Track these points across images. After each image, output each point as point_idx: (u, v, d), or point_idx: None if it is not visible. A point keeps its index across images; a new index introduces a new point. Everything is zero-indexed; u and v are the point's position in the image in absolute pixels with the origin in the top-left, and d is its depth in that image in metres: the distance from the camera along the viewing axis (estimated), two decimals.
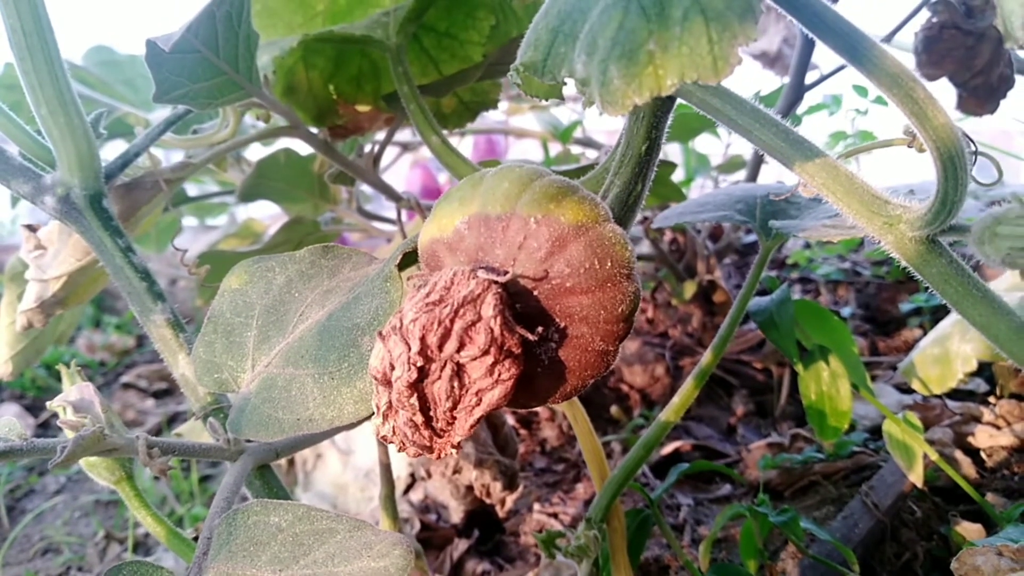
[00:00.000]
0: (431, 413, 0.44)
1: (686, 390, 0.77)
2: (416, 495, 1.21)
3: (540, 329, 0.45)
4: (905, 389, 1.25)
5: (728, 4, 0.41)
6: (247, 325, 0.57)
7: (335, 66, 0.92)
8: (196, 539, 0.64)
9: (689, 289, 1.51)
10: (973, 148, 0.50)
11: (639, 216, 0.72)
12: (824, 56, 1.44)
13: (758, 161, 1.54)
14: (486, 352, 0.43)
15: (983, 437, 1.06)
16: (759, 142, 0.55)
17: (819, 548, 0.89)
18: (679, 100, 0.58)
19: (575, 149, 1.87)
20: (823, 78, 1.36)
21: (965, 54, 1.10)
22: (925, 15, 1.08)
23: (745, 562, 0.85)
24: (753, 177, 1.54)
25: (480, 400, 0.44)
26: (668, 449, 1.28)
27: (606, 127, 2.15)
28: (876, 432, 1.17)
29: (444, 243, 0.48)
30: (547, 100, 0.59)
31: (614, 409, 1.42)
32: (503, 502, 0.99)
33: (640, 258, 1.50)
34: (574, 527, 0.90)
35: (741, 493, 1.17)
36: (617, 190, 0.57)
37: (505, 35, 0.90)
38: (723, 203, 0.81)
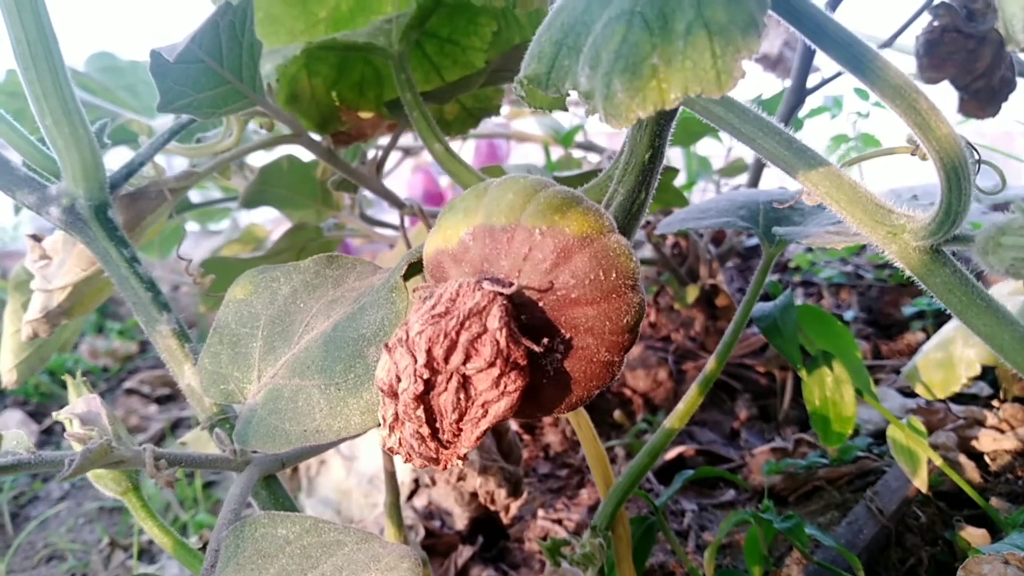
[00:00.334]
0: (437, 425, 0.44)
1: (690, 397, 0.78)
2: (420, 501, 1.21)
3: (545, 340, 0.45)
4: (908, 393, 1.25)
5: (732, 18, 0.41)
6: (253, 336, 0.57)
7: (338, 73, 0.93)
8: (202, 548, 0.64)
9: (692, 293, 1.52)
10: (976, 157, 0.51)
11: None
12: (825, 59, 1.44)
13: (760, 165, 1.54)
14: (492, 364, 0.43)
15: (987, 441, 1.06)
16: (763, 150, 0.55)
17: (824, 554, 0.89)
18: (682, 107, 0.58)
19: (577, 153, 1.88)
20: (824, 82, 1.36)
21: (966, 57, 1.10)
22: (926, 19, 1.08)
23: (750, 568, 0.85)
24: (755, 181, 1.54)
25: (486, 412, 0.44)
26: (672, 454, 1.28)
27: (607, 130, 2.15)
28: (880, 437, 1.17)
29: (449, 254, 0.48)
30: (551, 110, 0.59)
31: (617, 414, 1.42)
32: (507, 509, 0.99)
33: (642, 262, 1.50)
34: (578, 533, 0.90)
35: (745, 498, 1.17)
36: (621, 198, 0.57)
37: (507, 41, 0.90)
38: (726, 209, 0.81)
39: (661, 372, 1.46)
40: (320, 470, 1.40)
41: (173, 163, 1.00)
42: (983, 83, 1.13)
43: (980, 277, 0.54)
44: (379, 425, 0.45)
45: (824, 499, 1.07)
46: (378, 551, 0.42)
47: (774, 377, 1.46)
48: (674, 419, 0.77)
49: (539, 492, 1.24)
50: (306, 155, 1.23)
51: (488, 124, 1.83)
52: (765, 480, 1.12)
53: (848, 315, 1.63)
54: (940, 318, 1.47)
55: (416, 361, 0.42)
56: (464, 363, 0.43)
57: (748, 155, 1.84)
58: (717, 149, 1.96)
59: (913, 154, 0.54)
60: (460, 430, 0.44)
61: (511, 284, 0.45)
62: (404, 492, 1.21)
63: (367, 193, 1.40)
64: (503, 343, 0.43)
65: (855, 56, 0.47)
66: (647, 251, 1.52)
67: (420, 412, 0.43)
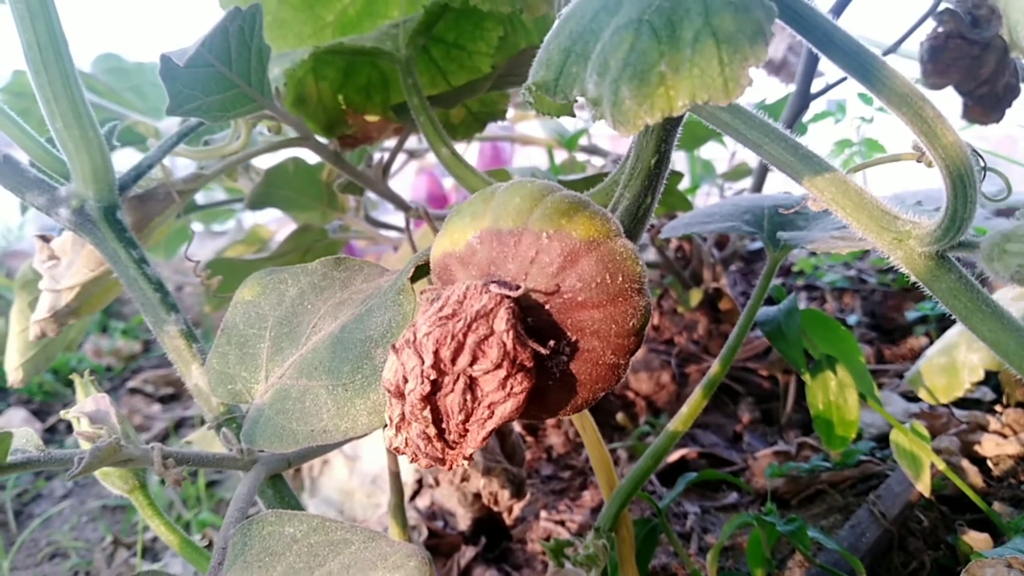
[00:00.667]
0: (443, 425, 0.44)
1: (694, 400, 0.78)
2: (423, 502, 1.21)
3: (552, 343, 0.45)
4: (911, 398, 1.25)
5: (739, 26, 0.42)
6: (260, 337, 0.58)
7: (344, 77, 0.93)
8: (207, 546, 0.65)
9: (695, 296, 1.52)
10: (982, 164, 0.51)
11: None
12: (829, 64, 1.44)
13: (764, 169, 1.54)
14: (499, 365, 0.43)
15: (990, 446, 1.07)
16: (768, 156, 0.56)
17: (826, 557, 0.89)
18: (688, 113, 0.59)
19: (580, 156, 1.88)
20: (829, 87, 1.37)
21: (970, 63, 1.11)
22: (931, 25, 1.08)
23: (752, 571, 0.85)
24: (759, 186, 1.54)
25: (492, 413, 0.44)
26: (674, 457, 1.28)
27: (611, 134, 2.16)
28: (883, 441, 1.18)
29: (456, 257, 0.48)
30: (558, 116, 0.59)
31: (620, 416, 1.43)
32: (510, 510, 0.99)
33: (646, 265, 1.50)
34: (581, 535, 0.91)
35: (748, 501, 1.17)
36: (627, 203, 0.58)
37: (513, 47, 0.91)
38: (730, 213, 0.81)
39: (664, 375, 1.46)
40: (323, 470, 1.40)
41: (176, 164, 1.00)
42: (987, 89, 1.14)
43: (984, 283, 0.55)
44: (386, 426, 0.45)
45: (827, 502, 1.07)
46: (385, 549, 0.42)
47: (777, 381, 1.46)
48: (678, 422, 0.77)
49: (542, 494, 1.24)
50: (312, 158, 1.24)
51: (492, 127, 1.84)
52: (768, 483, 1.12)
53: (851, 319, 1.63)
54: (943, 323, 1.47)
55: (423, 362, 0.43)
56: (471, 364, 0.43)
57: (752, 159, 1.84)
58: (721, 153, 1.96)
59: (919, 161, 0.54)
60: (466, 431, 0.44)
61: (518, 287, 0.45)
62: (407, 493, 1.21)
63: (371, 195, 1.41)
64: (510, 345, 0.43)
65: (862, 64, 0.48)
66: (651, 254, 1.52)
67: (427, 413, 0.43)
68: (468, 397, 0.44)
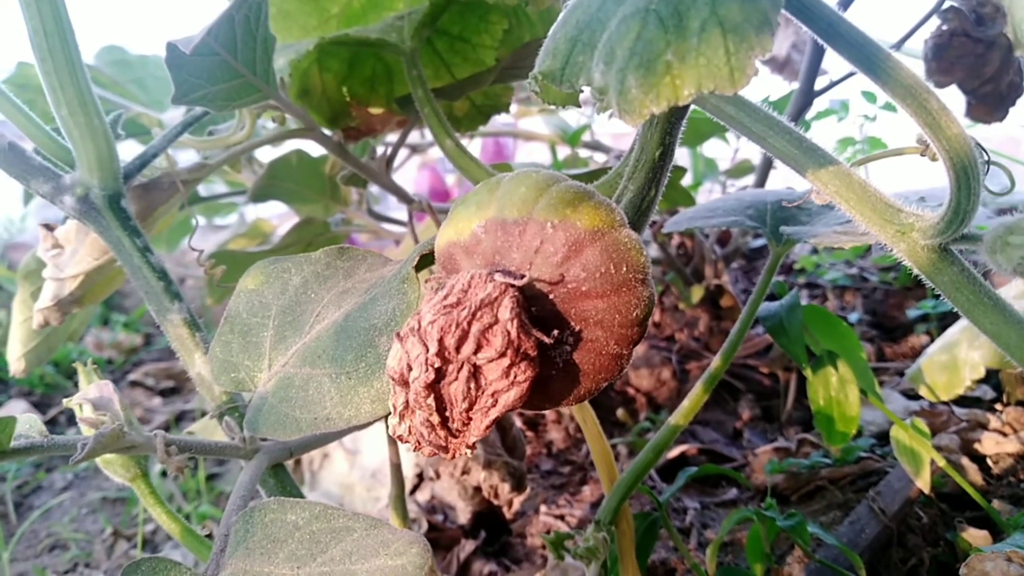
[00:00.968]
0: (447, 413, 0.44)
1: (695, 394, 0.78)
2: (423, 495, 1.21)
3: (555, 332, 0.45)
4: (912, 395, 1.25)
5: (746, 16, 0.42)
6: (264, 325, 0.58)
7: (349, 69, 0.93)
8: (208, 536, 0.65)
9: (696, 293, 1.52)
10: (986, 157, 0.51)
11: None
12: (833, 62, 1.44)
13: (767, 166, 1.54)
14: (503, 354, 0.43)
15: (989, 444, 1.07)
16: (773, 149, 0.56)
17: (825, 552, 0.89)
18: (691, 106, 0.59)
19: (583, 152, 1.88)
20: (833, 84, 1.37)
21: (975, 62, 1.11)
22: (935, 22, 1.08)
23: (752, 566, 0.85)
24: (762, 182, 1.54)
25: (496, 401, 0.44)
26: (674, 453, 1.28)
27: (614, 130, 2.16)
28: (882, 438, 1.18)
29: (461, 246, 0.48)
30: (564, 106, 0.59)
31: (620, 412, 1.43)
32: (511, 503, 0.99)
33: None
34: (580, 529, 0.91)
35: (747, 497, 1.17)
36: (631, 195, 0.58)
37: (518, 39, 0.91)
38: (734, 208, 0.81)
39: (665, 371, 1.46)
40: (323, 464, 1.40)
41: (178, 157, 1.00)
42: (991, 87, 1.14)
43: (986, 277, 0.55)
44: (389, 414, 0.45)
45: (826, 499, 1.07)
46: (387, 537, 0.42)
47: (777, 378, 1.46)
48: (679, 416, 0.78)
49: (542, 488, 1.25)
50: (315, 151, 1.24)
51: (495, 123, 1.84)
52: (768, 479, 1.13)
53: (852, 317, 1.63)
54: (944, 321, 1.47)
55: (428, 350, 0.43)
56: (475, 353, 0.43)
57: (755, 157, 1.84)
58: (724, 151, 1.96)
59: (923, 155, 0.54)
60: (470, 419, 0.44)
61: (522, 276, 0.45)
62: (407, 486, 1.21)
63: (373, 190, 1.41)
64: (514, 334, 0.43)
65: (867, 56, 0.48)
66: (653, 250, 1.52)
67: (431, 400, 0.43)
68: (472, 385, 0.44)
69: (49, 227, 0.79)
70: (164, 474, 1.69)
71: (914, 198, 0.83)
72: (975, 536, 0.89)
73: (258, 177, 1.18)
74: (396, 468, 0.86)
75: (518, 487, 0.98)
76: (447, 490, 1.15)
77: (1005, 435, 1.08)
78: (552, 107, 1.87)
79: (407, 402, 0.44)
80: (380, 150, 1.03)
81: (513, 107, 2.02)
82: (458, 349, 0.43)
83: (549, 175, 0.49)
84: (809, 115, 1.51)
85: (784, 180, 1.86)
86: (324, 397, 0.50)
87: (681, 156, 2.02)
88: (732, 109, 0.56)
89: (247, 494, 0.55)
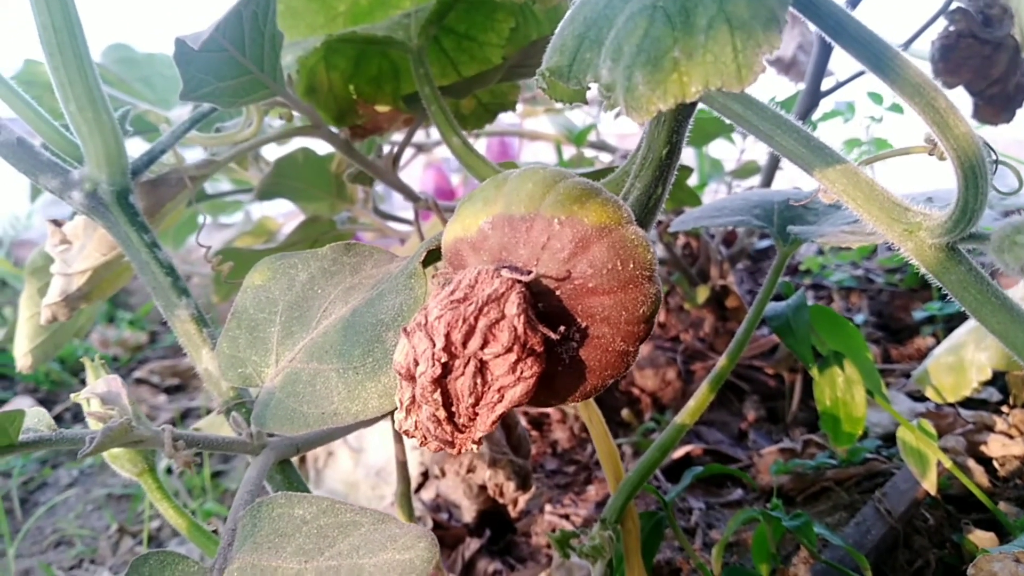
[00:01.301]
0: (453, 409, 0.44)
1: (702, 394, 0.78)
2: (428, 494, 1.22)
3: (562, 328, 0.45)
4: (918, 397, 1.25)
5: (753, 13, 0.42)
6: (270, 321, 0.58)
7: (355, 67, 0.93)
8: (214, 532, 0.65)
9: (702, 294, 1.52)
10: (993, 157, 0.51)
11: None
12: (839, 63, 1.44)
13: (773, 166, 1.54)
14: (509, 350, 0.43)
15: (996, 446, 1.06)
16: (780, 148, 0.56)
17: (831, 553, 0.89)
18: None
19: (588, 152, 1.88)
20: (839, 85, 1.36)
21: (982, 63, 1.10)
22: (942, 23, 1.08)
23: (757, 566, 0.85)
24: (768, 183, 1.54)
25: (502, 397, 0.44)
26: (679, 453, 1.28)
27: (619, 130, 2.16)
28: (888, 439, 1.17)
29: (468, 242, 0.48)
30: (571, 104, 0.60)
31: (625, 412, 1.43)
32: (516, 502, 0.99)
33: None
34: (586, 528, 0.91)
35: (752, 498, 1.17)
36: (638, 193, 0.58)
37: (525, 38, 0.91)
38: (741, 208, 0.81)
39: (670, 372, 1.46)
40: (328, 462, 1.40)
41: (185, 155, 1.00)
42: (998, 89, 1.13)
43: (993, 277, 0.55)
44: (396, 408, 0.45)
45: (832, 500, 1.07)
46: (394, 531, 0.42)
47: (783, 379, 1.46)
48: (685, 415, 0.77)
49: (546, 487, 1.25)
50: (321, 149, 1.24)
51: (500, 122, 1.84)
52: (773, 480, 1.12)
53: (858, 319, 1.63)
54: (950, 323, 1.46)
55: (434, 345, 0.43)
56: (482, 348, 0.43)
57: (760, 158, 1.84)
58: (730, 151, 1.96)
59: (931, 154, 0.54)
60: (476, 414, 0.44)
61: (529, 272, 0.45)
62: (412, 484, 1.22)
63: (379, 189, 1.41)
64: (521, 329, 0.43)
65: (875, 54, 0.48)
66: (659, 251, 1.52)
67: (437, 395, 0.43)
68: (478, 381, 0.44)
69: (57, 223, 0.79)
70: (169, 471, 1.69)
71: (921, 199, 0.82)
72: (981, 538, 0.89)
73: (264, 175, 1.18)
74: (402, 466, 0.87)
75: (523, 486, 0.98)
76: (452, 488, 1.15)
77: (1011, 437, 1.08)
78: (559, 106, 1.87)
79: (413, 397, 0.44)
80: (386, 149, 1.04)
81: (518, 107, 2.03)
82: (465, 344, 0.43)
83: (556, 171, 0.49)
84: (815, 116, 1.51)
85: (790, 181, 1.85)
86: (331, 392, 0.50)
87: (687, 156, 2.01)
88: (739, 107, 0.56)
89: (254, 489, 0.55)
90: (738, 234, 1.68)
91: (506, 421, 1.02)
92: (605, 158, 1.84)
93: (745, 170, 1.89)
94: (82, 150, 0.67)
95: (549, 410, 1.43)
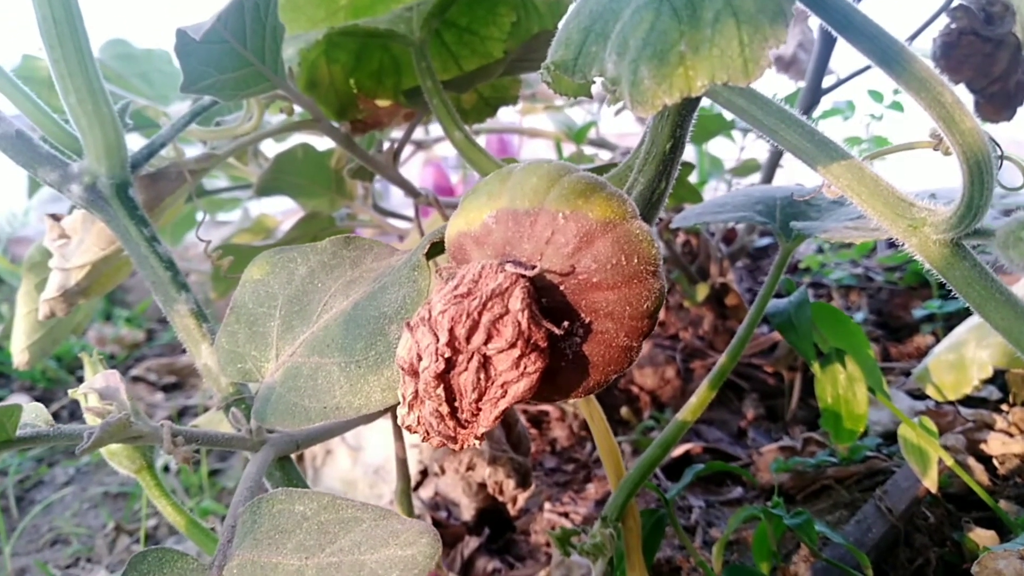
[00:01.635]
0: (456, 404, 0.44)
1: (703, 391, 0.78)
2: (426, 492, 1.21)
3: (566, 324, 0.45)
4: (918, 395, 1.24)
5: (760, 7, 0.41)
6: (270, 315, 0.58)
7: (356, 60, 0.93)
8: (212, 530, 0.65)
9: (701, 292, 1.52)
10: (999, 152, 0.51)
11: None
12: (838, 63, 1.44)
13: (773, 164, 1.54)
14: (513, 345, 0.43)
15: (996, 444, 1.06)
16: (784, 142, 0.55)
17: (832, 551, 0.89)
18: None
19: (588, 150, 1.88)
20: (841, 81, 1.36)
21: (983, 60, 1.10)
22: (944, 21, 1.08)
23: (758, 564, 0.85)
24: (768, 180, 1.54)
25: (505, 392, 0.44)
26: (679, 451, 1.28)
27: (620, 128, 2.15)
28: (889, 438, 1.17)
29: (471, 237, 0.48)
30: (575, 98, 0.59)
31: (624, 410, 1.42)
32: (515, 500, 0.99)
33: None
34: (585, 526, 0.90)
35: (753, 496, 1.17)
36: (641, 187, 0.58)
37: (526, 32, 0.91)
38: (743, 204, 0.81)
39: (669, 370, 1.46)
40: (326, 460, 1.40)
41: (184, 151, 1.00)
42: (999, 87, 1.13)
43: (997, 273, 0.54)
44: (398, 403, 0.45)
45: (833, 498, 1.07)
46: (396, 527, 0.42)
47: (782, 377, 1.46)
48: (687, 412, 0.77)
49: (546, 485, 1.24)
50: (321, 145, 1.24)
51: (500, 120, 1.83)
52: (773, 478, 1.12)
53: (858, 317, 1.62)
54: (950, 321, 1.46)
55: (438, 340, 0.43)
56: (485, 343, 0.43)
57: (760, 155, 1.83)
58: (730, 149, 1.96)
59: (936, 149, 0.54)
60: (479, 410, 0.44)
61: (533, 267, 0.45)
62: (412, 482, 1.21)
63: (378, 186, 1.40)
64: (524, 324, 0.43)
65: (881, 48, 0.47)
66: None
67: (440, 391, 0.43)
68: (482, 376, 0.44)
69: (56, 217, 0.79)
70: (167, 469, 1.69)
71: (925, 196, 0.82)
72: (982, 536, 0.89)
73: (264, 171, 1.18)
74: (401, 463, 0.86)
75: (523, 483, 0.98)
76: (451, 486, 1.15)
77: (1011, 436, 1.08)
78: (559, 103, 1.87)
79: (416, 392, 0.44)
80: (386, 146, 1.03)
81: (518, 103, 2.02)
82: (468, 339, 0.43)
83: (561, 165, 0.49)
84: (815, 114, 1.51)
85: (790, 179, 1.85)
86: (333, 386, 0.49)
87: (687, 154, 2.01)
88: (743, 101, 0.56)
89: (254, 486, 0.55)
90: (738, 232, 1.68)
91: (506, 419, 1.02)
92: (605, 156, 1.84)
93: (745, 167, 1.88)
94: (81, 143, 0.66)
95: (549, 408, 1.43)
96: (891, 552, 0.92)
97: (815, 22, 1.62)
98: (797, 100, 1.38)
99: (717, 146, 2.03)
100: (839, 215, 0.73)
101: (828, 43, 1.32)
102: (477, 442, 0.45)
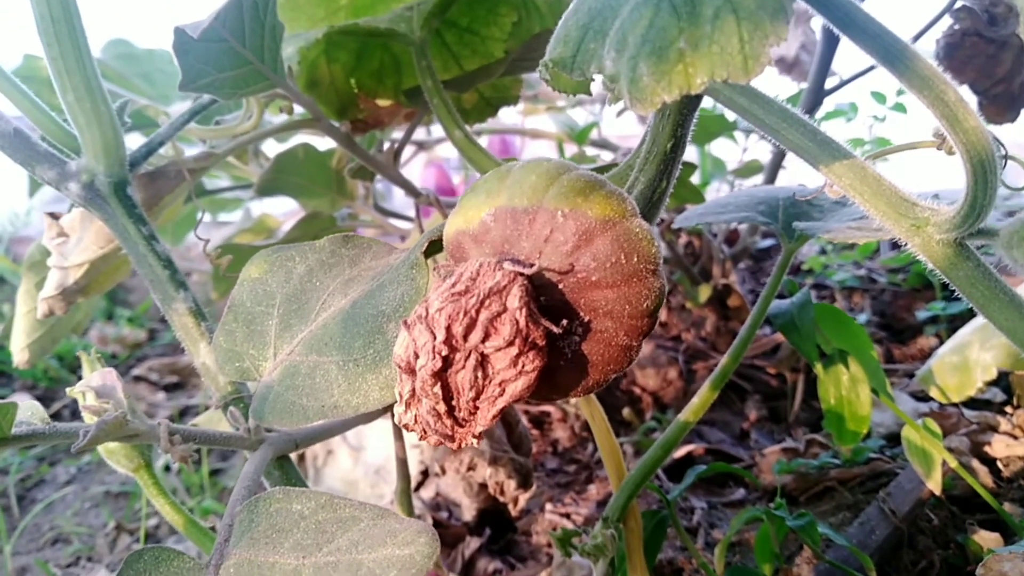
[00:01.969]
0: (454, 402, 0.44)
1: (705, 392, 0.77)
2: (427, 492, 1.21)
3: (564, 322, 0.45)
4: (921, 397, 1.24)
5: (760, 4, 0.41)
6: (268, 314, 0.57)
7: (357, 60, 0.93)
8: (212, 530, 0.64)
9: (704, 293, 1.51)
10: (1003, 152, 0.50)
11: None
12: (841, 65, 1.43)
13: (776, 165, 1.53)
14: (511, 343, 0.43)
15: (1000, 447, 1.06)
16: (786, 142, 0.55)
17: (835, 553, 0.88)
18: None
19: (590, 151, 1.87)
20: (843, 83, 1.36)
21: (986, 62, 1.10)
22: (947, 22, 1.08)
23: (760, 566, 0.84)
24: (771, 181, 1.53)
25: (503, 391, 0.44)
26: (681, 452, 1.27)
27: (621, 129, 2.15)
28: (892, 439, 1.17)
29: (470, 235, 0.48)
30: (575, 95, 0.59)
31: (626, 411, 1.42)
32: (516, 500, 0.99)
33: None
34: (586, 527, 0.90)
35: (755, 498, 1.16)
36: (642, 187, 0.57)
37: (527, 31, 0.90)
38: (745, 204, 0.81)
39: (671, 371, 1.46)
40: (327, 460, 1.40)
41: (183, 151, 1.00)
42: (1003, 88, 1.13)
43: (1001, 274, 0.54)
44: (397, 401, 0.44)
45: (835, 500, 1.06)
46: (394, 527, 0.42)
47: (785, 379, 1.45)
48: (689, 413, 0.77)
49: (547, 486, 1.24)
50: (322, 145, 1.24)
51: (501, 121, 1.83)
52: (776, 479, 1.12)
53: (861, 319, 1.62)
54: (954, 323, 1.46)
55: (435, 338, 0.42)
56: (483, 341, 0.43)
57: (763, 157, 1.83)
58: (732, 151, 1.96)
59: (939, 148, 0.54)
60: (476, 408, 0.44)
61: (532, 265, 0.45)
62: (412, 483, 1.21)
63: (379, 186, 1.40)
64: (522, 323, 0.43)
65: (885, 46, 0.47)
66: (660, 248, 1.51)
67: (437, 389, 0.43)
68: (479, 374, 0.43)
69: (54, 215, 0.79)
70: (167, 468, 1.69)
71: (928, 196, 0.82)
72: (986, 538, 0.88)
73: (264, 170, 1.18)
74: (402, 463, 0.86)
75: (524, 484, 0.98)
76: (452, 487, 1.14)
77: (1015, 438, 1.07)
78: (560, 104, 1.86)
79: (413, 390, 0.43)
80: (386, 146, 1.03)
81: (520, 104, 2.02)
82: (466, 337, 0.43)
83: (560, 164, 0.48)
84: (818, 115, 1.50)
85: (793, 180, 1.84)
86: (332, 384, 0.49)
87: (689, 154, 2.01)
88: (745, 100, 0.56)
89: (252, 484, 0.55)
90: (740, 233, 1.67)
91: (507, 419, 1.02)
92: (607, 156, 1.83)
93: (748, 169, 1.88)
94: (80, 141, 0.66)
95: (550, 408, 1.42)
96: (894, 554, 0.92)
97: (818, 23, 1.62)
98: (800, 101, 1.38)
99: (720, 147, 2.03)
100: (842, 215, 0.73)
101: (831, 44, 1.32)
102: (475, 441, 0.45)
